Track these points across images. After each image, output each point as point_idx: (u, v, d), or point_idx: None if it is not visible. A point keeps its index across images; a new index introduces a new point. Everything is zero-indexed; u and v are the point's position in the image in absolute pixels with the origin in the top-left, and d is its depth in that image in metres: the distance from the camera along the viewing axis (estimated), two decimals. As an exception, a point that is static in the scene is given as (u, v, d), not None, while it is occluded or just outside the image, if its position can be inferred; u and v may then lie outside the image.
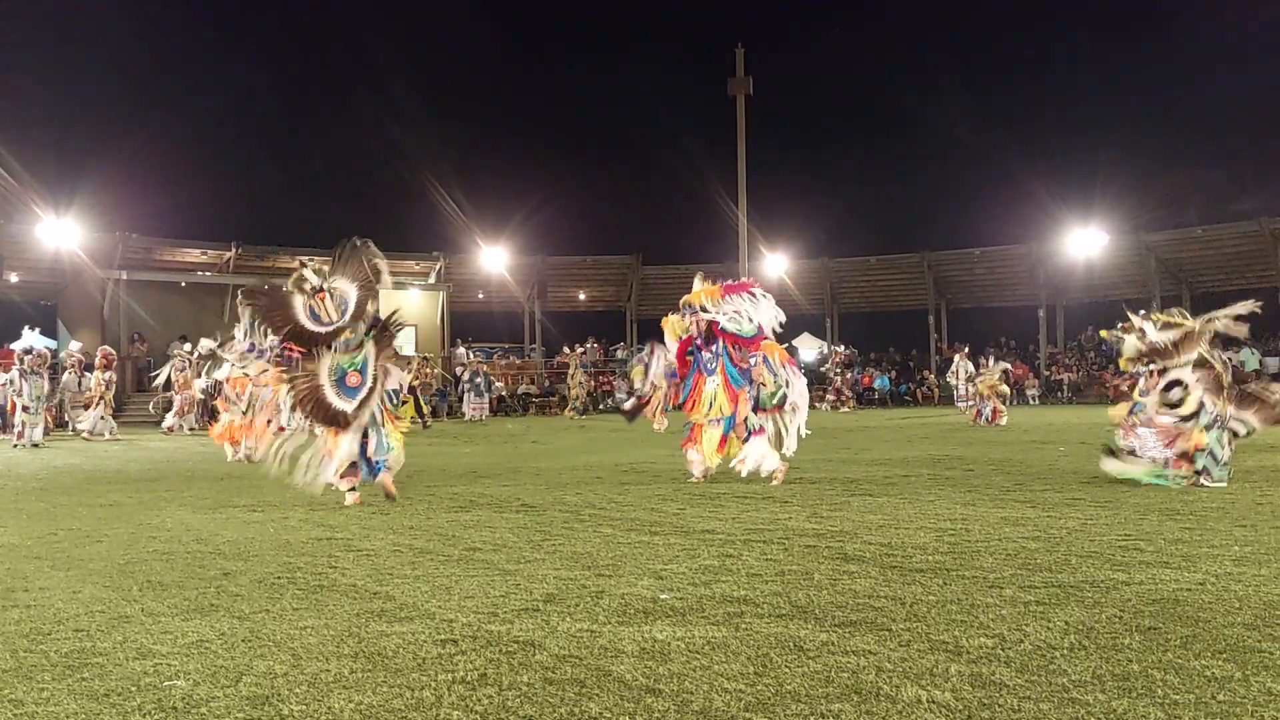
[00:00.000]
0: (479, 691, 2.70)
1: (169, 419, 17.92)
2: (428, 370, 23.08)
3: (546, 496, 7.12)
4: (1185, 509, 5.82)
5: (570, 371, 25.94)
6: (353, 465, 6.78)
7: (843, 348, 30.35)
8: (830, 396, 27.01)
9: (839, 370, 28.41)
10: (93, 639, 3.30)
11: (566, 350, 28.84)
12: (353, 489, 6.76)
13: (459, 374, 25.61)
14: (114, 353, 19.11)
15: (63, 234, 24.95)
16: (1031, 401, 28.39)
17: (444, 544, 5.08)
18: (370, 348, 6.83)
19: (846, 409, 26.16)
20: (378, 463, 6.85)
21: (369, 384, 6.75)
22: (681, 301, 8.03)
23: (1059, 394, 29.41)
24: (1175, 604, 3.49)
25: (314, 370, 6.73)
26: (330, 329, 6.72)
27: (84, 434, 16.99)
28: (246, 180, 34.91)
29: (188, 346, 18.82)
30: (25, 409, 14.96)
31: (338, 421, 6.67)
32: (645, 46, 44.78)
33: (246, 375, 11.27)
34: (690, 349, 8.01)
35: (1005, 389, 18.12)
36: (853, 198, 36.88)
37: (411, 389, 20.60)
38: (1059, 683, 2.67)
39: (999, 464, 9.12)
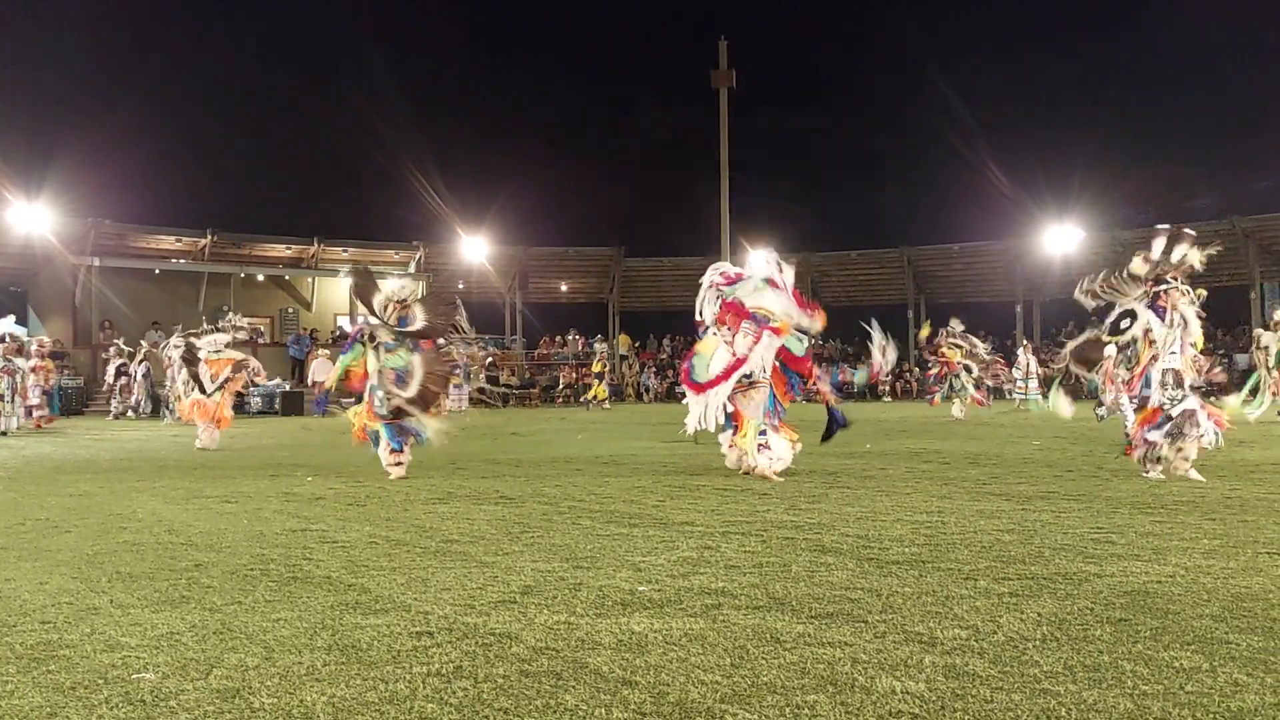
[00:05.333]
0: (454, 684, 2.68)
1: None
2: (604, 355, 26.38)
3: (525, 488, 7.10)
4: (1156, 502, 5.89)
5: (628, 361, 31.19)
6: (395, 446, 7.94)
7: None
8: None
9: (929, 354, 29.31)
10: (60, 631, 3.25)
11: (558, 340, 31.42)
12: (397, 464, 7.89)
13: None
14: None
15: (34, 219, 24.51)
16: (1008, 396, 28.68)
17: (420, 536, 5.05)
18: (413, 357, 7.88)
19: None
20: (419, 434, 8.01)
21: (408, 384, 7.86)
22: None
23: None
24: (1145, 596, 3.53)
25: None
26: (379, 325, 7.99)
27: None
28: (222, 167, 34.48)
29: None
30: (0, 397, 14.72)
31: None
32: (628, 37, 44.65)
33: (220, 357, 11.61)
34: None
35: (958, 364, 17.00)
36: (833, 192, 37.05)
37: (598, 375, 24.78)
38: (1031, 673, 2.70)
39: (975, 457, 9.20)
